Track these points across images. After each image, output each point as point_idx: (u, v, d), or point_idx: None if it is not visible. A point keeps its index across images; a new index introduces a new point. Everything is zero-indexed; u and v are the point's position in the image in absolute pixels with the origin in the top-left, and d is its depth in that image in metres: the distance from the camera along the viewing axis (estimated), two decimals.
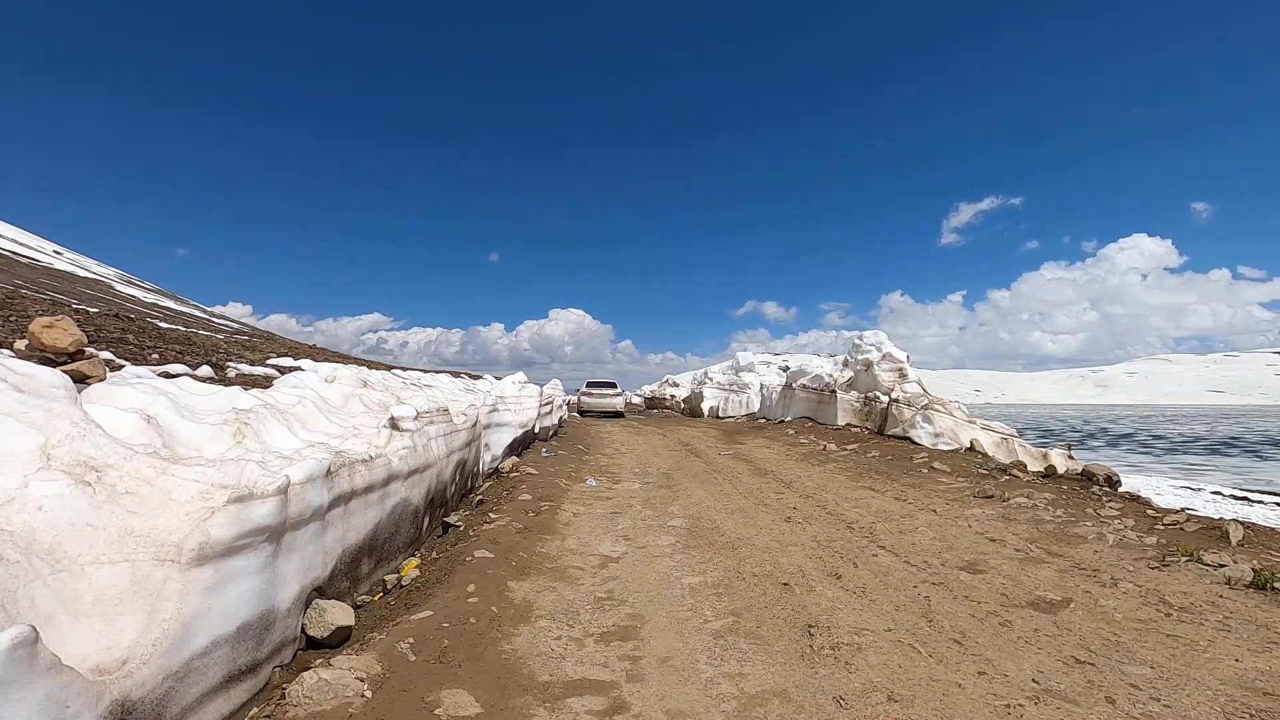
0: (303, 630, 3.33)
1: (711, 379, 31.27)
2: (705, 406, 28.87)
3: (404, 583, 4.54)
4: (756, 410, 24.77)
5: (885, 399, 14.75)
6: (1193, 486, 18.44)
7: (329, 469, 3.55)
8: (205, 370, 6.11)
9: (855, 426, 15.48)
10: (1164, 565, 4.67)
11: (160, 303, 25.28)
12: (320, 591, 3.56)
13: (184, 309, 26.26)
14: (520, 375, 13.48)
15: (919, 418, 13.05)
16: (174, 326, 12.68)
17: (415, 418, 5.38)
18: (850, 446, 12.80)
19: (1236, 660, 3.20)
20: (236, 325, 25.11)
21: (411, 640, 3.32)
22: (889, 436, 13.55)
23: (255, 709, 2.74)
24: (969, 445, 11.77)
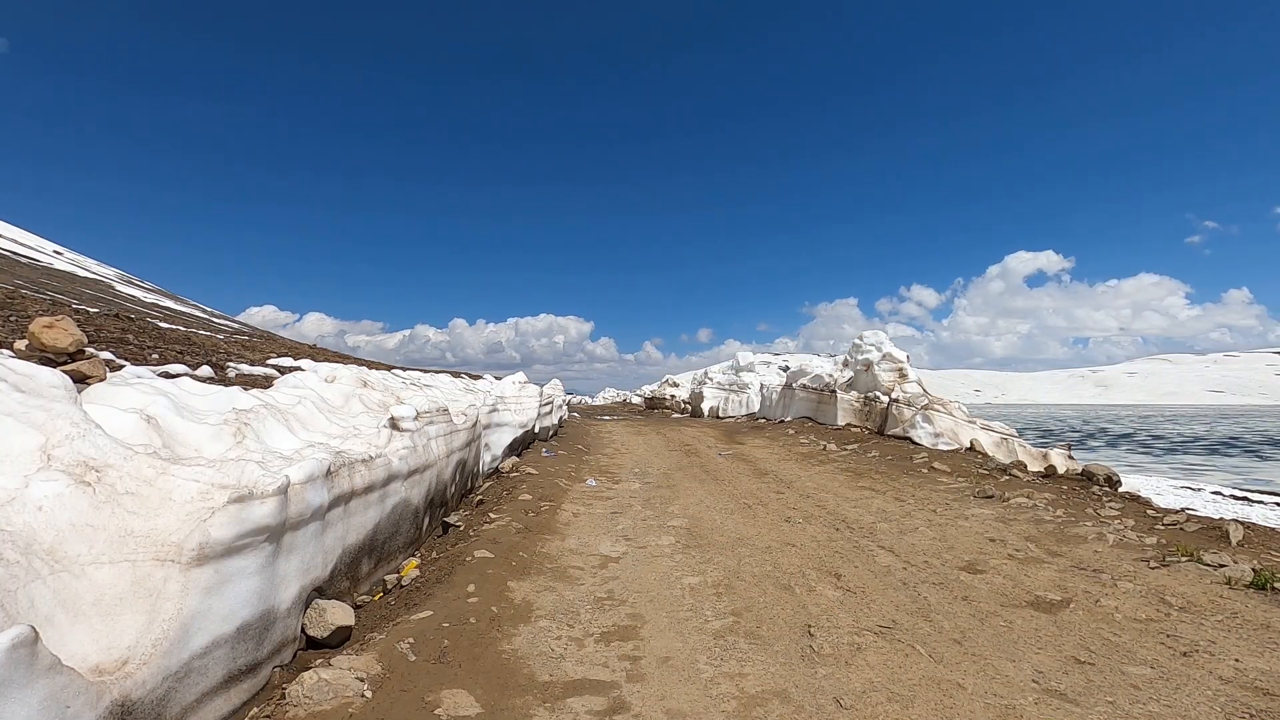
0: (303, 630, 3.33)
1: (711, 379, 31.27)
2: (705, 407, 28.87)
3: (404, 583, 4.54)
4: (756, 410, 24.77)
5: (885, 399, 14.75)
6: (1193, 486, 18.43)
7: (329, 469, 3.55)
8: (205, 370, 6.11)
9: (855, 426, 15.48)
10: (1164, 565, 4.66)
11: (160, 303, 25.29)
12: (320, 591, 3.56)
13: (184, 309, 26.28)
14: (520, 375, 13.48)
15: (919, 418, 13.05)
16: (174, 326, 12.69)
17: (415, 418, 5.38)
18: (850, 446, 12.79)
19: (1236, 660, 3.20)
20: (236, 325, 25.13)
21: (411, 640, 3.32)
22: (889, 436, 13.55)
23: (255, 709, 2.74)
24: (969, 445, 11.77)
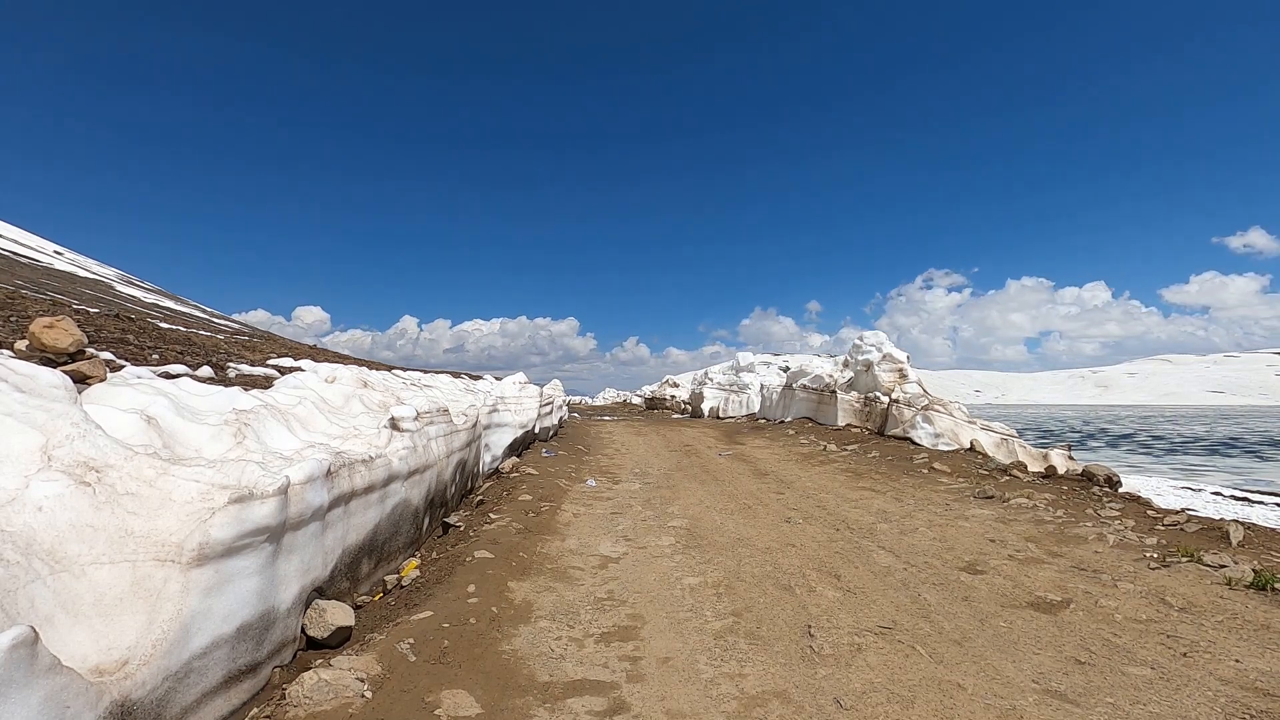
0: (303, 630, 3.33)
1: (712, 379, 31.27)
2: (705, 407, 28.87)
3: (404, 583, 4.54)
4: (757, 411, 24.76)
5: (885, 399, 14.74)
6: (1193, 487, 18.41)
7: (329, 469, 3.55)
8: (205, 371, 6.12)
9: (855, 427, 15.47)
10: (1164, 566, 4.66)
11: (160, 303, 25.30)
12: (320, 592, 3.56)
13: (184, 309, 26.28)
14: (520, 375, 13.49)
15: (919, 418, 13.04)
16: (174, 327, 12.69)
17: (415, 418, 5.38)
18: (850, 447, 12.79)
19: (1237, 661, 3.20)
20: (236, 325, 25.13)
21: (411, 640, 3.32)
22: (889, 437, 13.54)
23: (255, 709, 2.74)
24: (969, 446, 11.76)
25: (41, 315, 5.66)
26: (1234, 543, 5.10)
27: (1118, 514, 6.31)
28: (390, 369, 14.43)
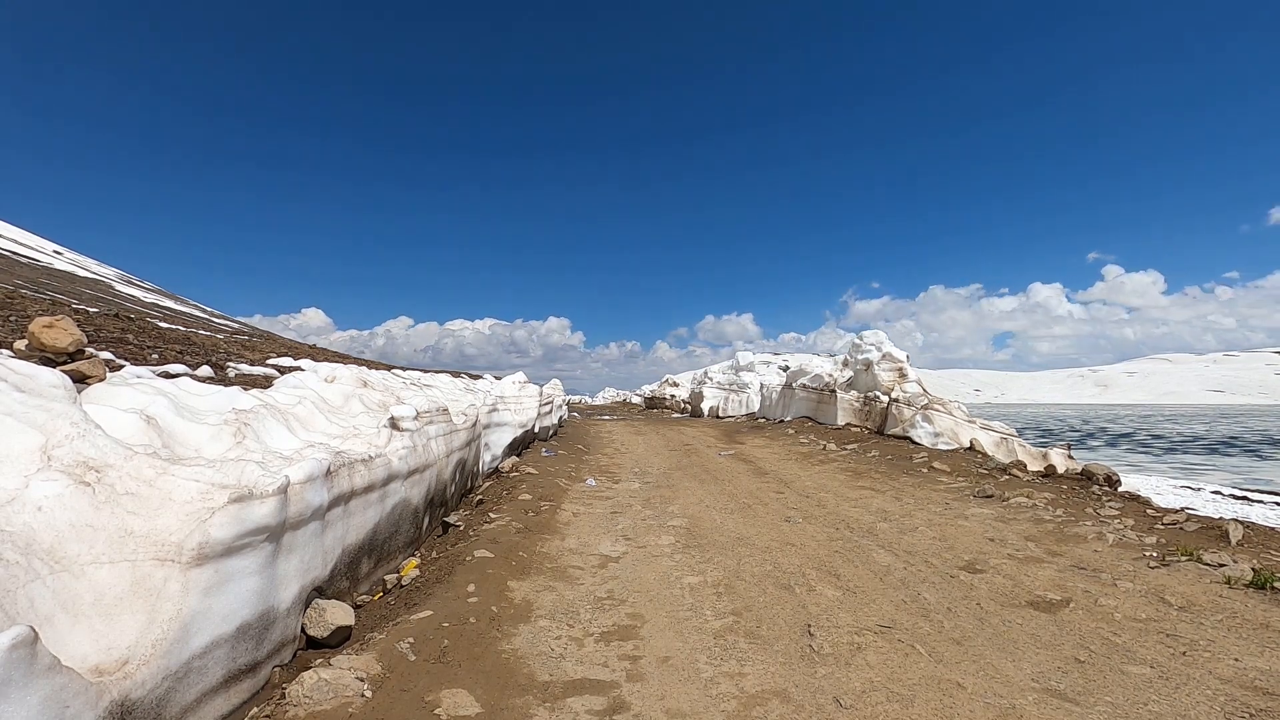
0: (303, 630, 3.33)
1: (711, 379, 31.27)
2: (705, 406, 28.88)
3: (404, 582, 4.54)
4: (756, 410, 24.76)
5: (885, 399, 14.74)
6: (1192, 486, 18.41)
7: (329, 469, 3.55)
8: (205, 370, 6.11)
9: (855, 426, 15.47)
10: (1164, 565, 4.66)
11: (160, 303, 25.29)
12: (320, 591, 3.56)
13: (184, 309, 26.28)
14: (520, 375, 13.49)
15: (919, 417, 13.04)
16: (174, 326, 12.69)
17: (415, 418, 5.38)
18: (850, 446, 12.79)
19: (1236, 660, 3.20)
20: (236, 325, 25.11)
21: (411, 640, 3.32)
22: (889, 436, 13.54)
23: (255, 709, 2.74)
24: (969, 445, 11.76)
25: (41, 315, 5.65)
26: (1233, 542, 5.10)
27: (1117, 513, 6.32)
28: (390, 368, 14.42)
